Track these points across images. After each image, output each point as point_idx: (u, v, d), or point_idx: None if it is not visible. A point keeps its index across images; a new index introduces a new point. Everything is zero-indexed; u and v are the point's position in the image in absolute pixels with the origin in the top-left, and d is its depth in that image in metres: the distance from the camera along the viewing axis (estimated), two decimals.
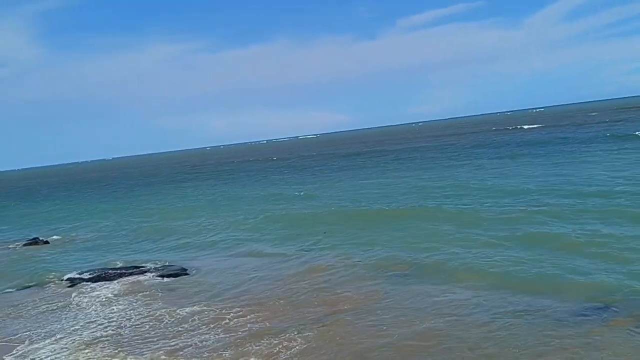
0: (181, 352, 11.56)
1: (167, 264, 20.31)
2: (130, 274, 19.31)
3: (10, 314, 15.92)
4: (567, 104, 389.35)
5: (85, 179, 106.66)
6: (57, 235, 31.30)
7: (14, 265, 23.83)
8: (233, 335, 12.15)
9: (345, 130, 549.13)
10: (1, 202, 66.00)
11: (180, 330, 12.90)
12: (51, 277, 20.22)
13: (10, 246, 29.24)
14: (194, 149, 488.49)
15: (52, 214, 43.68)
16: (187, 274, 18.80)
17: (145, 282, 18.20)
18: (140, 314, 14.64)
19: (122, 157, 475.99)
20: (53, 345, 12.78)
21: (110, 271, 19.98)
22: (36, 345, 12.91)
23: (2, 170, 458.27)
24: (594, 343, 9.79)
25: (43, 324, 14.52)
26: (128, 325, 13.77)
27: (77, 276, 19.91)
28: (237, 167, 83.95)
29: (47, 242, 29.03)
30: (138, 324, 13.78)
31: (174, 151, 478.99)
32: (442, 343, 10.54)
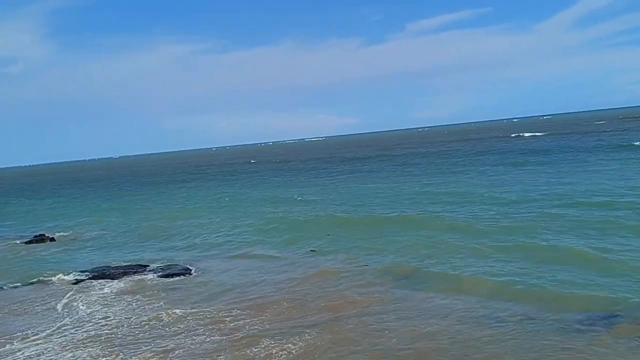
0: (174, 353, 11.54)
1: (170, 263, 20.42)
2: (134, 273, 19.42)
3: (11, 310, 16.00)
4: (576, 112, 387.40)
5: (91, 177, 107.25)
6: (63, 232, 31.51)
7: (20, 261, 24.02)
8: (231, 337, 12.16)
9: (351, 133, 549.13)
10: (8, 197, 66.48)
11: (178, 331, 12.89)
12: (56, 274, 20.31)
13: (17, 242, 29.50)
14: (200, 149, 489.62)
15: (58, 211, 43.95)
16: (190, 274, 18.89)
17: (148, 282, 18.28)
18: (140, 314, 14.66)
19: (128, 155, 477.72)
20: (47, 344, 12.75)
21: (114, 269, 20.07)
22: (30, 343, 12.91)
23: (9, 166, 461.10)
24: (599, 351, 9.82)
25: (41, 322, 14.57)
26: (125, 325, 13.79)
27: (82, 274, 20.03)
28: (242, 169, 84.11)
29: (53, 239, 29.27)
30: (136, 324, 13.80)
31: (180, 151, 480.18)
32: (444, 348, 10.57)
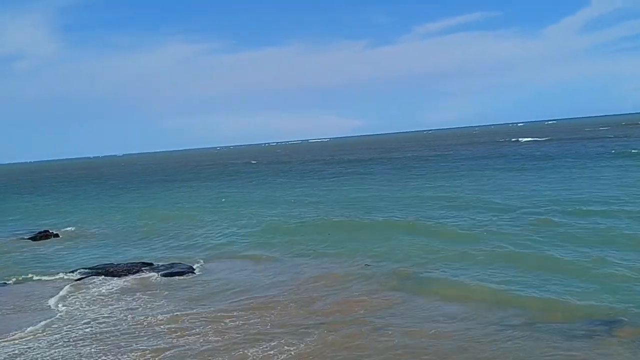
0: (170, 352, 11.57)
1: (174, 262, 20.44)
2: (138, 271, 19.43)
3: (12, 307, 16.02)
4: (581, 117, 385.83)
5: (95, 174, 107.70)
6: (67, 228, 31.70)
7: (24, 257, 24.20)
8: (231, 337, 12.17)
9: (356, 135, 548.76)
10: (12, 193, 66.87)
11: (176, 330, 12.89)
12: (58, 271, 20.46)
13: (22, 237, 29.71)
14: (204, 148, 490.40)
15: (62, 207, 44.11)
16: (193, 273, 18.93)
17: (151, 280, 18.34)
18: (140, 312, 14.70)
19: (132, 153, 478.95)
20: (38, 342, 12.77)
21: (117, 267, 20.10)
22: (23, 339, 12.95)
23: (14, 162, 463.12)
24: (603, 353, 9.99)
25: (38, 319, 14.63)
26: (123, 323, 13.82)
27: (85, 270, 20.09)
28: (243, 169, 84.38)
29: (57, 235, 29.45)
30: (134, 322, 13.82)
31: (184, 150, 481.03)
32: (449, 352, 10.63)
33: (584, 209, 22.97)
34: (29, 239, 29.16)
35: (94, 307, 15.45)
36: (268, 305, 14.46)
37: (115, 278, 18.79)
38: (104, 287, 17.74)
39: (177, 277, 18.38)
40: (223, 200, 39.42)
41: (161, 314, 14.32)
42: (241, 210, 33.03)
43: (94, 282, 18.54)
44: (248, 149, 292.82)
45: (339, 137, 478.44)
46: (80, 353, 11.96)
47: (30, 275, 19.97)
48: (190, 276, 18.57)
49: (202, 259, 20.87)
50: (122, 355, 11.67)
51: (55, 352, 12.13)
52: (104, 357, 11.62)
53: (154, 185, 61.87)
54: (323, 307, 13.96)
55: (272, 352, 11.23)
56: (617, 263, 15.06)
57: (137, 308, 15.12)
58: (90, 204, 45.70)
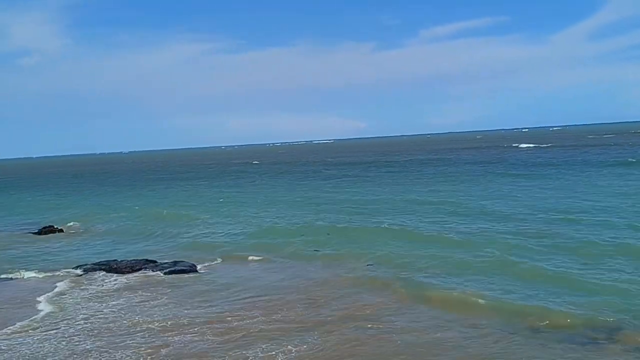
0: (167, 350, 11.60)
1: (178, 259, 20.43)
2: (141, 268, 19.45)
3: (11, 302, 16.05)
4: (587, 124, 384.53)
5: (100, 170, 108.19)
6: (71, 223, 31.86)
7: (29, 251, 24.34)
8: (230, 337, 12.21)
9: (360, 137, 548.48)
10: (18, 188, 67.23)
11: (174, 328, 12.92)
12: (63, 265, 20.56)
13: (27, 232, 29.98)
14: (210, 147, 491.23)
15: (67, 202, 44.35)
16: (196, 272, 18.94)
17: (154, 277, 18.38)
18: (140, 309, 14.73)
19: (138, 151, 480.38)
20: (36, 336, 12.86)
21: (121, 263, 20.09)
22: (17, 335, 13.01)
23: (20, 157, 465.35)
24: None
25: (37, 313, 14.70)
26: (123, 319, 13.84)
27: (88, 266, 20.12)
28: (247, 169, 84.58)
29: (61, 231, 29.75)
30: (133, 319, 13.84)
31: (190, 148, 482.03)
32: (449, 358, 10.73)
33: (579, 217, 22.85)
34: (33, 233, 29.41)
35: (94, 303, 15.50)
36: (270, 305, 14.51)
37: (118, 274, 18.83)
38: (106, 283, 17.78)
39: (180, 275, 18.41)
40: (221, 200, 39.49)
41: (162, 312, 14.35)
42: (244, 210, 33.13)
43: (97, 277, 18.61)
44: (252, 148, 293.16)
45: (342, 139, 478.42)
46: (73, 349, 11.98)
47: (34, 270, 20.05)
48: (194, 275, 18.60)
49: (205, 257, 20.88)
50: (117, 351, 11.69)
51: (49, 346, 12.18)
52: (98, 354, 11.64)
53: (158, 183, 62.08)
54: (325, 309, 14.00)
55: (273, 352, 11.25)
56: (615, 273, 14.99)
57: (138, 305, 15.16)
58: (95, 200, 45.91)
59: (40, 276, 19.27)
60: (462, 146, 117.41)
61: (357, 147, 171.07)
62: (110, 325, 13.40)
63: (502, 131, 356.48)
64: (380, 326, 12.48)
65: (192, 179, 67.80)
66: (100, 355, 11.53)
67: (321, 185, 47.00)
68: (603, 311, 12.23)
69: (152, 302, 15.38)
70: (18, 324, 13.86)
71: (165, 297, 15.86)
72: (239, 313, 13.94)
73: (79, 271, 19.64)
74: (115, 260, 20.84)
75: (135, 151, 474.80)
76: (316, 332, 12.24)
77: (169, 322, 13.45)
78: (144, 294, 16.33)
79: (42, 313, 14.80)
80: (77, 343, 12.33)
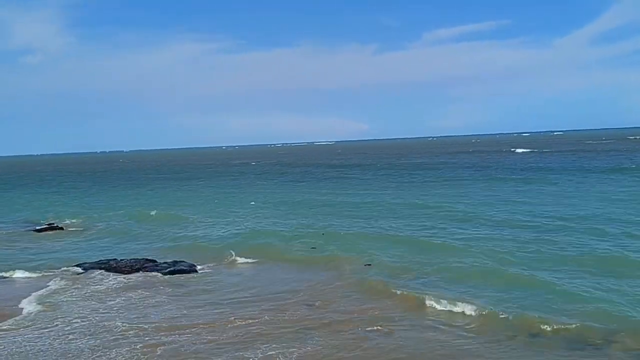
0: (162, 348, 11.65)
1: (178, 260, 20.41)
2: (141, 267, 19.42)
3: (9, 302, 15.91)
4: (589, 129, 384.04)
5: (100, 169, 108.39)
6: (72, 221, 32.01)
7: (29, 250, 24.40)
8: (228, 337, 12.21)
9: (361, 139, 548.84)
10: (20, 185, 67.40)
11: (173, 328, 12.93)
12: (63, 264, 20.57)
13: (27, 229, 30.04)
14: (211, 147, 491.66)
15: (67, 200, 44.42)
16: (196, 272, 18.98)
17: (153, 277, 18.38)
18: (138, 308, 14.75)
19: (139, 150, 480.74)
20: (33, 333, 12.91)
21: (121, 262, 20.08)
22: (12, 333, 13.04)
23: (21, 154, 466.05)
24: None
25: (34, 311, 14.74)
26: (120, 318, 13.87)
27: (88, 265, 20.13)
28: (247, 169, 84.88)
29: (62, 228, 29.87)
30: (131, 318, 13.86)
31: (191, 148, 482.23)
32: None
33: (567, 225, 22.79)
34: (34, 230, 29.48)
35: (92, 302, 15.53)
36: (269, 307, 14.55)
37: (118, 274, 18.84)
38: (105, 282, 17.79)
39: (179, 276, 18.43)
40: (216, 201, 39.42)
41: (161, 311, 14.39)
42: (242, 211, 33.19)
43: (96, 276, 18.63)
44: (252, 149, 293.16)
45: (344, 141, 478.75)
46: (68, 347, 12.03)
47: (34, 268, 20.11)
48: (193, 275, 18.64)
49: (204, 258, 20.88)
50: (111, 350, 11.71)
51: (42, 344, 12.24)
52: (92, 352, 11.66)
53: (157, 183, 62.25)
54: (324, 310, 14.04)
55: (273, 352, 11.29)
56: (607, 281, 14.88)
57: (137, 304, 15.18)
58: (95, 198, 46.06)
59: (40, 274, 19.27)
60: (458, 150, 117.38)
61: (357, 150, 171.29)
62: (107, 324, 13.42)
63: (503, 135, 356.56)
64: (379, 329, 12.49)
65: (191, 178, 67.90)
66: (94, 354, 11.57)
67: (318, 187, 47.06)
68: (596, 319, 12.15)
69: (151, 302, 15.41)
70: (12, 321, 13.90)
71: (165, 297, 15.91)
72: (238, 314, 13.97)
73: (78, 269, 19.68)
74: (115, 259, 20.87)
75: (135, 150, 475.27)
76: (316, 334, 12.28)
77: (167, 322, 13.48)
78: (143, 293, 16.34)
79: (39, 311, 14.82)
80: (72, 341, 12.38)
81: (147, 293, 16.36)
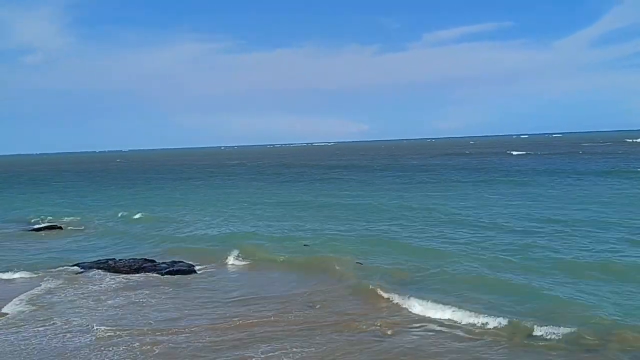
0: (159, 347, 11.73)
1: (176, 260, 20.46)
2: (139, 267, 19.45)
3: (5, 300, 15.87)
4: (588, 132, 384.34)
5: (99, 169, 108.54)
6: (71, 220, 31.98)
7: (27, 249, 24.44)
8: (225, 339, 12.22)
9: (361, 140, 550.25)
10: (19, 184, 67.32)
11: (171, 328, 12.97)
12: (60, 263, 20.63)
13: (26, 229, 30.11)
14: (209, 147, 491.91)
15: (67, 200, 44.42)
16: (195, 272, 19.04)
17: (152, 277, 18.44)
18: (136, 308, 14.79)
19: (138, 149, 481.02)
20: (26, 333, 12.92)
21: (119, 262, 20.12)
22: (9, 329, 13.14)
23: (19, 153, 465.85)
24: None
25: (32, 309, 14.82)
26: (119, 318, 13.90)
27: (86, 265, 20.16)
28: (243, 170, 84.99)
29: (60, 228, 29.89)
30: (129, 318, 13.89)
31: (190, 148, 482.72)
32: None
33: (554, 228, 22.65)
34: (32, 230, 29.56)
35: (91, 302, 15.56)
36: (267, 307, 14.61)
37: (116, 273, 18.90)
38: (104, 282, 17.84)
39: (178, 276, 18.47)
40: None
41: (159, 311, 14.44)
42: (238, 212, 33.25)
43: (94, 276, 18.69)
44: (251, 149, 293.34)
45: (344, 142, 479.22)
46: (65, 345, 12.06)
47: (33, 267, 20.14)
48: (192, 276, 18.71)
49: (203, 259, 20.91)
50: (109, 349, 11.76)
51: (38, 342, 12.31)
52: (89, 351, 11.75)
53: (156, 182, 62.37)
54: (324, 311, 14.10)
55: (275, 352, 11.35)
56: (598, 287, 14.73)
57: (136, 304, 15.23)
58: (93, 198, 46.11)
59: (38, 273, 19.28)
60: (454, 152, 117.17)
61: (355, 150, 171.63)
62: (105, 323, 13.46)
63: (502, 137, 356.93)
64: (375, 331, 12.62)
65: (188, 178, 67.97)
66: (91, 353, 11.63)
67: (313, 188, 47.03)
68: (591, 325, 12.11)
69: (150, 302, 15.47)
70: (4, 320, 13.99)
71: (164, 297, 15.97)
72: (238, 314, 14.03)
73: (77, 269, 19.74)
74: (114, 258, 20.92)
75: (134, 150, 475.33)
76: (318, 334, 12.38)
77: (166, 322, 13.53)
78: (142, 293, 16.40)
79: (36, 309, 14.87)
80: (69, 340, 12.43)
81: (146, 293, 16.42)
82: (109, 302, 15.62)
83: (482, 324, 12.69)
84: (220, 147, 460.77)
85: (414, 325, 12.95)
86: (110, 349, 11.85)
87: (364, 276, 17.00)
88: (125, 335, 12.61)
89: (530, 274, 16.32)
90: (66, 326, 13.40)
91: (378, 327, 12.80)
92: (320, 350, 11.56)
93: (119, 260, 20.65)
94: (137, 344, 12.06)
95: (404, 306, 14.15)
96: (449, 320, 13.12)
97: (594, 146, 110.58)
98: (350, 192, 42.44)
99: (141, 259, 20.76)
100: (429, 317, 13.45)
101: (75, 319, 13.99)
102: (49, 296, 16.34)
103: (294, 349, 11.60)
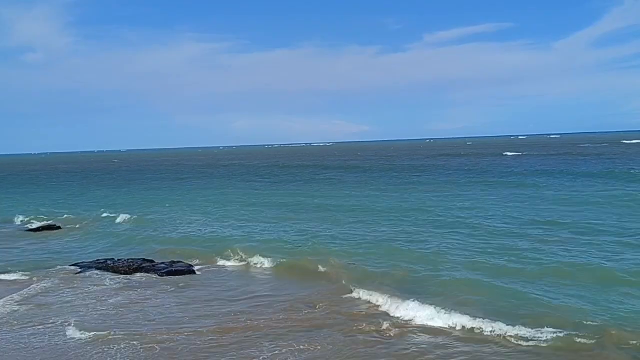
0: (159, 345, 11.81)
1: (175, 260, 20.51)
2: (138, 267, 19.50)
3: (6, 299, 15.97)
4: (586, 132, 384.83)
5: (95, 168, 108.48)
6: (69, 220, 32.04)
7: (25, 249, 24.49)
8: (222, 339, 12.25)
9: (360, 140, 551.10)
10: (17, 183, 67.47)
11: (168, 328, 13.03)
12: (59, 263, 20.69)
13: (24, 228, 30.30)
14: (209, 147, 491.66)
15: (63, 199, 44.48)
16: (194, 272, 19.12)
17: (151, 277, 18.53)
18: (134, 307, 14.85)
19: (136, 149, 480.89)
20: (24, 332, 13.03)
21: (118, 262, 20.15)
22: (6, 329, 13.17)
23: (18, 153, 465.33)
24: None
25: (30, 308, 14.88)
26: (119, 316, 13.93)
27: (84, 265, 20.19)
28: (240, 170, 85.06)
29: (59, 227, 30.01)
30: (129, 317, 13.92)
31: (188, 148, 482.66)
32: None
33: (541, 229, 22.76)
34: (30, 230, 29.64)
35: (90, 300, 15.64)
36: (267, 306, 14.73)
37: (115, 273, 18.98)
38: (102, 282, 17.91)
39: (177, 276, 18.53)
40: (201, 200, 38.98)
41: (159, 311, 14.50)
42: (233, 213, 33.14)
43: (93, 276, 18.77)
44: (249, 149, 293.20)
45: (343, 142, 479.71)
46: (66, 343, 12.17)
47: (30, 267, 20.13)
48: (191, 276, 18.78)
49: (199, 259, 21.00)
50: (110, 347, 11.84)
51: (38, 340, 12.41)
52: (92, 347, 11.84)
53: (153, 182, 62.41)
54: (324, 312, 14.16)
55: (279, 351, 11.41)
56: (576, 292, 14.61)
57: (135, 304, 15.27)
58: (92, 197, 46.17)
59: (36, 273, 19.26)
60: (449, 153, 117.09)
61: (352, 151, 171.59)
62: (105, 322, 13.51)
63: (501, 138, 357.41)
64: (372, 332, 12.70)
65: (183, 178, 68.00)
66: (92, 350, 11.74)
67: (307, 189, 47.02)
68: (581, 330, 12.03)
69: (150, 301, 15.53)
70: (2, 319, 14.04)
71: (164, 296, 16.03)
72: (240, 313, 14.12)
73: (75, 269, 19.79)
74: (112, 258, 20.96)
75: (133, 150, 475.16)
76: (321, 334, 12.43)
77: (166, 321, 13.59)
78: (141, 293, 16.47)
79: (32, 308, 14.91)
80: (69, 339, 12.49)
81: (146, 293, 16.49)
82: (110, 301, 15.68)
83: (478, 327, 12.66)
84: (219, 147, 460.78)
85: (413, 327, 12.95)
86: (112, 347, 11.91)
87: (360, 278, 16.96)
88: (126, 335, 12.64)
89: (521, 277, 16.21)
90: (64, 325, 13.41)
91: (379, 329, 12.84)
92: (327, 349, 11.61)
93: (118, 260, 20.69)
94: (138, 343, 12.11)
95: (400, 308, 14.09)
96: (445, 323, 13.03)
97: (590, 147, 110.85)
98: (346, 192, 42.48)
99: (140, 258, 20.79)
100: (423, 320, 13.34)
101: (75, 317, 14.03)
102: (46, 295, 16.37)
103: (301, 347, 11.69)
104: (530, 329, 12.16)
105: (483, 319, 12.92)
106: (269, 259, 20.40)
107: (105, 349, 11.89)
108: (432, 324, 13.13)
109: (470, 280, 16.10)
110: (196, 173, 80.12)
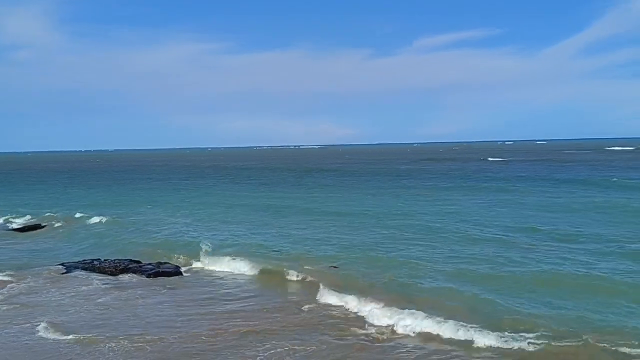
0: (150, 347, 11.84)
1: (162, 261, 20.51)
2: (124, 268, 19.44)
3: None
4: (572, 139, 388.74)
5: (84, 168, 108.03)
6: (55, 220, 31.74)
7: (9, 250, 24.30)
8: (216, 341, 12.30)
9: (347, 144, 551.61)
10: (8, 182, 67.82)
11: (158, 328, 13.10)
12: (44, 263, 20.56)
13: (6, 227, 30.04)
14: (197, 148, 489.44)
15: (49, 198, 44.01)
16: (181, 274, 19.14)
17: (138, 278, 18.49)
18: (122, 308, 14.85)
19: (124, 149, 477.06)
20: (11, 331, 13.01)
21: (104, 263, 20.09)
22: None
23: (8, 152, 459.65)
24: None
25: (18, 308, 14.81)
26: (106, 318, 13.89)
27: (70, 265, 20.08)
28: (223, 172, 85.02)
29: (44, 227, 29.82)
30: (118, 317, 13.96)
31: (177, 148, 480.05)
32: None
33: (517, 236, 22.95)
34: (15, 230, 29.39)
35: (77, 300, 15.59)
36: (256, 309, 14.82)
37: (101, 274, 18.90)
38: (88, 282, 17.81)
39: (163, 278, 18.52)
40: (188, 201, 38.97)
41: (147, 312, 14.51)
42: (217, 215, 33.08)
43: (79, 276, 18.66)
44: (237, 151, 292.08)
45: (331, 145, 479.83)
46: (59, 344, 12.17)
47: (16, 267, 19.95)
48: (178, 277, 18.79)
49: (188, 260, 21.04)
50: (97, 347, 11.86)
51: (30, 340, 12.39)
52: (81, 347, 11.86)
53: (144, 183, 62.25)
54: (313, 314, 14.28)
55: (271, 352, 11.51)
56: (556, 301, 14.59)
57: (123, 304, 15.28)
58: (79, 197, 45.87)
59: (19, 273, 19.13)
60: (431, 157, 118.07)
61: (340, 154, 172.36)
62: (92, 323, 13.51)
63: (487, 143, 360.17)
64: (360, 335, 12.88)
65: (169, 180, 67.85)
66: (83, 350, 11.77)
67: (287, 192, 47.09)
68: (559, 339, 12.04)
69: (138, 302, 15.53)
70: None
71: (152, 297, 16.02)
72: (229, 314, 14.21)
73: (61, 269, 19.66)
74: (99, 259, 20.89)
75: (120, 150, 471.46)
76: (314, 334, 12.52)
77: (154, 322, 13.59)
78: (129, 293, 16.45)
79: (18, 307, 14.88)
80: (58, 341, 12.49)
81: (133, 293, 16.48)
82: (98, 300, 15.64)
83: (460, 333, 12.71)
84: (207, 148, 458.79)
85: (397, 333, 13.01)
86: (104, 345, 11.96)
87: (343, 283, 16.80)
88: (113, 336, 12.63)
89: (502, 284, 16.24)
90: (52, 326, 13.37)
91: (362, 333, 12.98)
92: (322, 349, 11.76)
93: (104, 260, 20.64)
94: (127, 341, 12.15)
95: (383, 313, 14.05)
96: (431, 329, 13.06)
97: (574, 154, 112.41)
98: (331, 196, 42.57)
99: (126, 259, 20.74)
100: (408, 325, 13.31)
101: (62, 318, 13.98)
102: (29, 295, 16.26)
103: (295, 347, 11.82)
104: (513, 334, 12.27)
105: (465, 325, 12.90)
106: (255, 262, 20.35)
107: (93, 351, 11.86)
108: (417, 330, 13.15)
109: (452, 287, 16.11)
110: (181, 174, 79.77)
